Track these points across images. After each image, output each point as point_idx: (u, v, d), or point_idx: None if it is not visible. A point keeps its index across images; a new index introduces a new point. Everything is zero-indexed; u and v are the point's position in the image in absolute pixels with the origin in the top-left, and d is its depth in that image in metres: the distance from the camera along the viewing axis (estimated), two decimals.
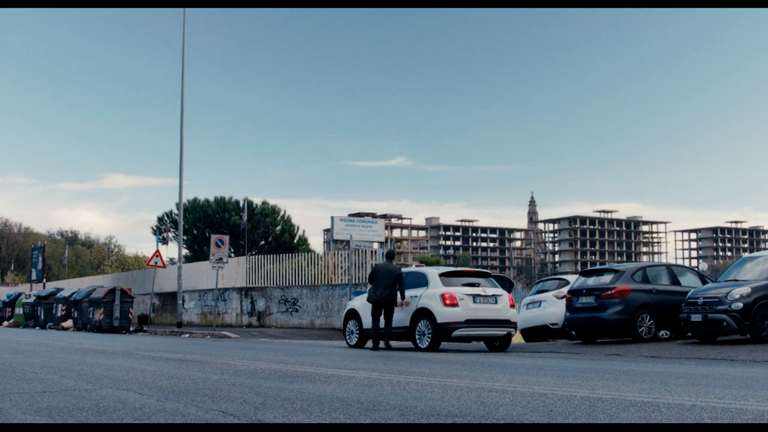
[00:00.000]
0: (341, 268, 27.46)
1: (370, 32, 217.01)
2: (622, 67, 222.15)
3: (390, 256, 15.46)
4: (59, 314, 31.06)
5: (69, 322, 29.99)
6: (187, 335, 23.12)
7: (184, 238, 48.68)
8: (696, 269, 17.39)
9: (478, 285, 14.37)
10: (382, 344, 14.94)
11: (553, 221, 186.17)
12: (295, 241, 51.53)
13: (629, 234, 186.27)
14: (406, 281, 14.78)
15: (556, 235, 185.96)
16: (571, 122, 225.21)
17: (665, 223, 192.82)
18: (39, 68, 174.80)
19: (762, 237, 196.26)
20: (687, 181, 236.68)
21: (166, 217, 52.44)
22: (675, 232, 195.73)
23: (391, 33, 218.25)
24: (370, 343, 15.36)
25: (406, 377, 7.76)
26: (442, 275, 14.42)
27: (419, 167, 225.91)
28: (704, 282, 15.86)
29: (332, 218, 26.22)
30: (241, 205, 48.52)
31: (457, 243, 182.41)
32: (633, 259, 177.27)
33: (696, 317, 13.42)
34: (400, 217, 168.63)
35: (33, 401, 5.69)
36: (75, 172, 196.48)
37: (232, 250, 45.21)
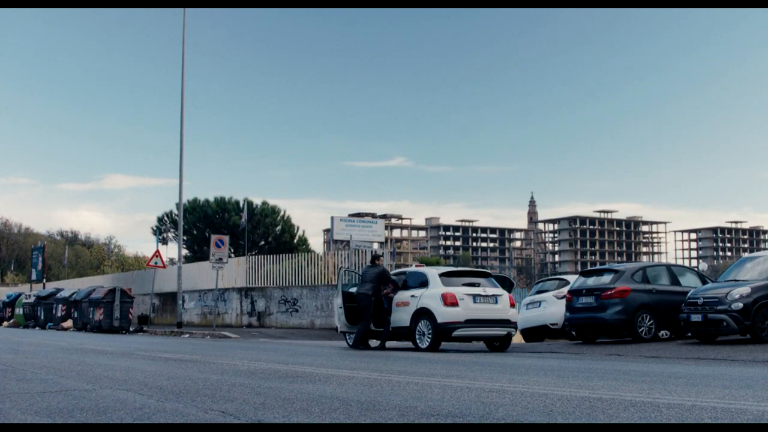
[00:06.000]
0: (341, 268, 27.43)
1: (370, 32, 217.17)
2: (622, 67, 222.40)
3: (372, 259, 15.84)
4: (59, 314, 31.05)
5: (69, 323, 29.98)
6: (187, 335, 23.12)
7: (184, 238, 48.65)
8: (696, 269, 17.38)
9: (478, 285, 14.37)
10: (376, 343, 15.20)
11: (553, 221, 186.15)
12: (295, 241, 51.49)
13: (629, 234, 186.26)
14: (407, 281, 14.94)
15: (556, 235, 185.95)
16: (571, 122, 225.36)
17: (665, 223, 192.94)
18: (39, 68, 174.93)
19: (762, 237, 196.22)
20: (687, 181, 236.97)
21: (166, 218, 52.41)
22: (675, 232, 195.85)
23: (392, 33, 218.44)
24: (374, 342, 15.51)
25: (406, 377, 7.76)
26: (442, 275, 14.42)
27: (419, 167, 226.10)
28: (704, 282, 15.85)
29: (332, 218, 26.24)
30: (241, 205, 48.50)
31: (457, 243, 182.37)
32: (633, 259, 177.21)
33: (696, 317, 13.41)
34: (400, 218, 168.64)
35: (33, 401, 5.69)
36: (76, 173, 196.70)
37: (232, 251, 45.17)
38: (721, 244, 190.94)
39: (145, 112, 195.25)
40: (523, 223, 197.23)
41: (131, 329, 26.78)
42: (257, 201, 51.55)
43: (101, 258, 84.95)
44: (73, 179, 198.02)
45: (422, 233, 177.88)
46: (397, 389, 6.50)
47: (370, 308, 14.77)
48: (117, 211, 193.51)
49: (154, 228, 52.40)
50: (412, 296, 14.35)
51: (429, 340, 13.84)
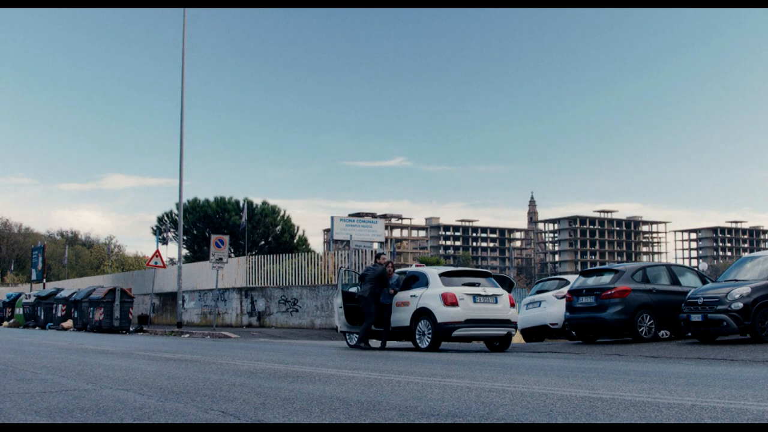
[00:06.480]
0: (341, 268, 27.45)
1: (370, 32, 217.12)
2: (622, 67, 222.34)
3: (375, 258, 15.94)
4: (59, 314, 31.07)
5: (69, 322, 29.99)
6: (187, 335, 23.12)
7: (184, 238, 48.65)
8: (696, 269, 17.38)
9: (478, 285, 14.36)
10: (377, 343, 15.22)
11: (553, 221, 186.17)
12: (295, 241, 51.50)
13: (629, 234, 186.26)
14: (407, 281, 14.95)
15: (556, 235, 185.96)
16: (571, 122, 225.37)
17: (665, 223, 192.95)
18: (39, 68, 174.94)
19: (762, 237, 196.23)
20: (687, 181, 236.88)
21: (166, 218, 52.40)
22: (675, 232, 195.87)
23: (391, 33, 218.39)
24: (374, 342, 15.50)
25: (406, 377, 7.76)
26: (442, 275, 14.42)
27: (419, 167, 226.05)
28: (704, 282, 15.85)
29: (332, 218, 26.23)
30: (241, 205, 48.51)
31: (457, 243, 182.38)
32: (633, 259, 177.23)
33: (696, 317, 13.42)
34: (400, 217, 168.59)
35: (33, 401, 5.69)
36: (76, 173, 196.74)
37: (232, 250, 45.19)
38: (721, 244, 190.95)
39: (145, 112, 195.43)
40: (523, 223, 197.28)
41: (131, 329, 26.78)
42: (257, 201, 51.60)
43: (101, 258, 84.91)
44: (73, 179, 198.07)
45: (422, 233, 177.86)
46: (397, 389, 6.50)
47: (370, 307, 14.77)
48: (117, 211, 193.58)
49: (154, 228, 52.45)
50: (412, 296, 14.36)
51: (429, 339, 13.84)
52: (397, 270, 15.93)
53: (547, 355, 13.07)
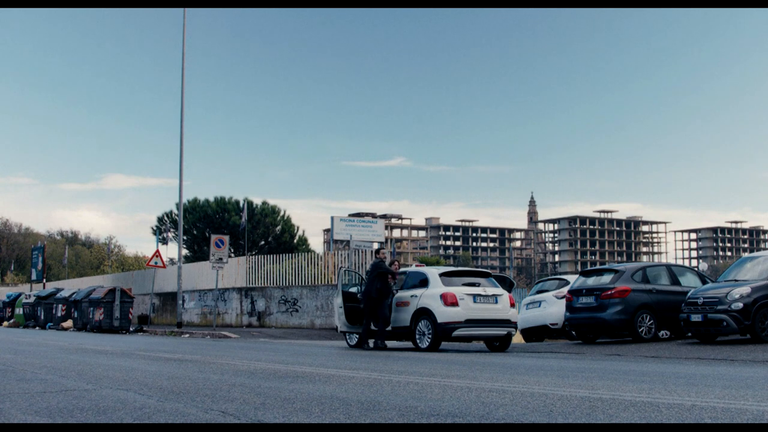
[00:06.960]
0: (341, 268, 27.44)
1: (370, 32, 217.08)
2: (622, 67, 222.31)
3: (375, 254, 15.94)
4: (59, 314, 31.06)
5: (69, 322, 29.99)
6: (187, 335, 23.12)
7: (184, 238, 48.65)
8: (696, 269, 17.38)
9: (478, 285, 14.36)
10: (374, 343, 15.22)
11: (553, 221, 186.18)
12: (295, 241, 51.51)
13: (629, 234, 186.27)
14: (407, 281, 14.92)
15: (556, 235, 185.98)
16: (571, 122, 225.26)
17: (665, 223, 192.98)
18: (40, 68, 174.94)
19: (762, 237, 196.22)
20: (687, 181, 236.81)
21: (166, 218, 52.40)
22: (675, 232, 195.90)
23: (391, 33, 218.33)
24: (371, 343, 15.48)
25: (406, 377, 7.76)
26: (442, 275, 14.42)
27: (419, 167, 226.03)
28: (704, 282, 15.85)
29: (332, 218, 26.22)
30: (241, 205, 48.51)
31: (457, 243, 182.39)
32: (633, 259, 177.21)
33: (696, 317, 13.42)
34: (400, 217, 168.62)
35: (33, 401, 5.70)
36: (76, 173, 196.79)
37: (232, 250, 45.18)
38: (721, 244, 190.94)
39: (145, 112, 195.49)
40: (523, 223, 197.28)
41: (131, 329, 26.78)
42: (257, 201, 51.61)
43: (101, 258, 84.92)
44: (73, 179, 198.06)
45: (422, 233, 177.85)
46: (397, 389, 6.50)
47: (368, 306, 14.74)
48: (117, 211, 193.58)
49: (154, 228, 52.42)
50: (413, 296, 14.35)
51: (429, 339, 13.84)
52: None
53: (547, 355, 13.07)
